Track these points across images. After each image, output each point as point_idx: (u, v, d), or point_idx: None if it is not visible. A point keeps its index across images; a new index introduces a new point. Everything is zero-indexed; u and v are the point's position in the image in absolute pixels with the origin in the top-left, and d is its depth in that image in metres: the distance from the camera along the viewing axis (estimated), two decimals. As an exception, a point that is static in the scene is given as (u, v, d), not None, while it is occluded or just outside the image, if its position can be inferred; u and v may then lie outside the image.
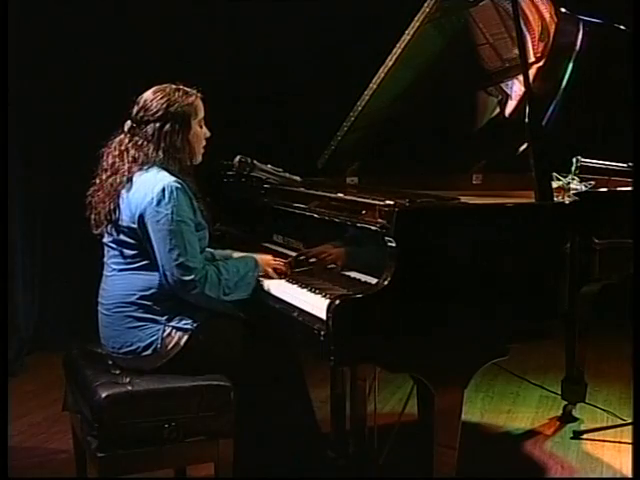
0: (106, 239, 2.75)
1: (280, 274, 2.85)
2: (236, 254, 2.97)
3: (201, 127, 2.79)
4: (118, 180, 2.69)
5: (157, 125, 2.69)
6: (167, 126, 2.69)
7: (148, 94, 2.74)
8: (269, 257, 2.89)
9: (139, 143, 2.70)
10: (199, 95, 2.79)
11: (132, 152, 2.70)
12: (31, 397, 4.25)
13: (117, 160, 2.71)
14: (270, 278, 2.82)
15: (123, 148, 2.72)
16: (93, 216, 2.74)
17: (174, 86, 2.76)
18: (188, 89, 2.77)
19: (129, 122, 2.74)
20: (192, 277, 2.58)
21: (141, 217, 2.62)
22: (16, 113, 4.45)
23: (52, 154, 4.96)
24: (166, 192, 2.60)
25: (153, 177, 2.66)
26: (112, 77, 4.94)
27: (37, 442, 3.69)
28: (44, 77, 4.88)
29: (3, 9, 3.56)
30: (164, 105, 2.70)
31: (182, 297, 2.63)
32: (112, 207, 2.68)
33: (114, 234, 2.71)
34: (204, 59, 4.99)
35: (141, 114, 2.71)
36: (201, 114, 2.79)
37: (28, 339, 4.90)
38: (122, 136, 2.74)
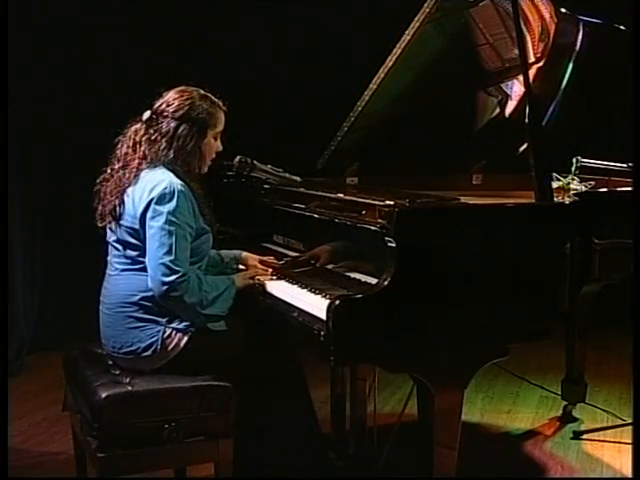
0: (110, 238, 2.75)
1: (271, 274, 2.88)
2: (244, 254, 3.00)
3: (216, 139, 2.78)
4: (127, 175, 2.68)
5: (173, 124, 2.68)
6: (182, 127, 2.69)
7: (174, 91, 2.74)
8: (249, 272, 2.90)
9: (152, 137, 2.69)
10: (224, 108, 2.78)
11: (144, 147, 2.69)
12: (31, 397, 4.24)
13: (130, 151, 2.70)
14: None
15: (137, 139, 2.70)
16: (100, 207, 2.74)
17: (202, 92, 2.75)
18: (215, 99, 2.76)
19: (148, 112, 2.73)
20: (173, 278, 2.55)
21: (142, 215, 2.62)
22: (16, 113, 4.44)
23: (52, 154, 4.95)
24: (168, 192, 2.60)
25: (159, 176, 2.65)
26: (113, 78, 4.94)
27: (37, 442, 3.69)
28: (44, 77, 4.88)
29: (3, 9, 3.56)
30: (186, 107, 2.69)
31: (161, 301, 2.60)
32: (117, 202, 2.68)
33: (117, 233, 2.70)
34: (203, 58, 4.98)
35: (162, 107, 2.71)
36: (220, 127, 2.77)
37: (28, 339, 4.90)
38: (138, 125, 2.73)
